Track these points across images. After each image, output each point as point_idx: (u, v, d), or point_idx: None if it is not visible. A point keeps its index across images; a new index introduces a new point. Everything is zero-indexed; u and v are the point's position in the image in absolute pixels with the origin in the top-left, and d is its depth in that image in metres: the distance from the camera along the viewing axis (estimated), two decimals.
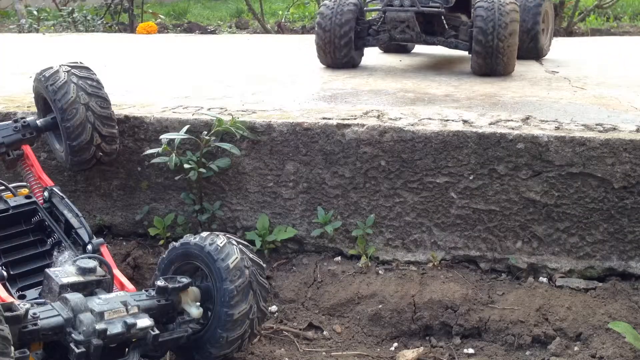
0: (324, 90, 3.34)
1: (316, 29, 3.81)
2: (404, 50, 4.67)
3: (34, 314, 1.76)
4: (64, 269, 1.99)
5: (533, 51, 4.17)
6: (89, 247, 2.25)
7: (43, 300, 1.92)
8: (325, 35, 3.76)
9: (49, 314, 1.78)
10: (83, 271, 1.97)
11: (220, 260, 2.05)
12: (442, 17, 3.65)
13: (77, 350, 1.72)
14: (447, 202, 2.62)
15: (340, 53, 3.81)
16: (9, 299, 1.95)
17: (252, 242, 2.70)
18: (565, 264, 2.58)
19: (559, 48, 4.76)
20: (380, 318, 2.51)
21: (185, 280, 2.03)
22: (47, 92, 2.61)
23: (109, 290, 2.01)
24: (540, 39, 4.15)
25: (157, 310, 1.97)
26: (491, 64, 3.53)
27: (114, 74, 3.86)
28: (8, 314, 1.65)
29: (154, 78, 3.85)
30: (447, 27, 3.66)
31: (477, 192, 2.59)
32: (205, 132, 2.69)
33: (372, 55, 4.41)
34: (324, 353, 2.40)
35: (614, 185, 2.47)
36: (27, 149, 2.67)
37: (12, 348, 1.56)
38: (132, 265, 2.78)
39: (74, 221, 2.34)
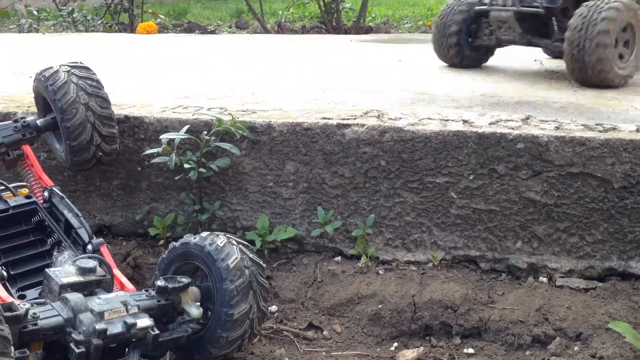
0: (323, 90, 3.34)
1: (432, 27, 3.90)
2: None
3: (34, 314, 1.76)
4: (64, 269, 1.99)
5: None
6: (89, 247, 2.24)
7: (43, 300, 1.92)
8: (437, 34, 3.82)
9: (49, 314, 1.78)
10: (83, 271, 1.97)
11: (220, 260, 2.05)
12: (553, 19, 3.45)
13: (77, 350, 1.72)
14: (447, 202, 2.62)
15: (449, 52, 3.83)
16: (9, 299, 1.95)
17: (252, 242, 2.70)
18: (565, 264, 2.58)
19: None
20: (380, 318, 2.51)
21: (185, 280, 2.03)
22: (47, 92, 2.61)
23: (109, 290, 2.01)
24: None
25: (157, 310, 1.97)
26: (580, 76, 3.27)
27: (114, 74, 3.86)
28: (8, 314, 1.65)
29: (154, 78, 3.85)
30: (556, 29, 3.45)
31: (477, 192, 2.59)
32: (205, 132, 2.69)
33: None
34: (324, 353, 2.40)
35: (614, 185, 2.47)
36: (27, 149, 2.67)
37: (12, 348, 1.56)
38: (132, 265, 2.78)
39: (74, 221, 2.34)
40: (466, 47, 3.81)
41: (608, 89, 3.23)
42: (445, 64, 3.99)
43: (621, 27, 3.16)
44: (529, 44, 3.59)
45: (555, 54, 3.50)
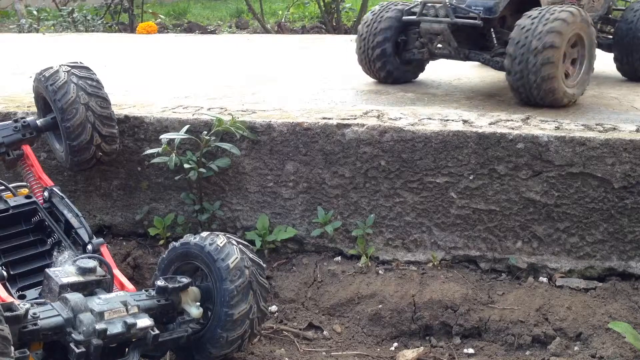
0: (323, 91, 3.34)
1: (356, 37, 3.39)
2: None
3: (34, 314, 1.76)
4: (64, 269, 1.99)
5: None
6: (89, 247, 2.25)
7: (43, 300, 1.92)
8: (361, 44, 3.32)
9: (49, 314, 1.78)
10: (83, 271, 1.97)
11: (220, 260, 2.05)
12: (492, 31, 3.07)
13: (77, 350, 1.72)
14: (447, 202, 2.62)
15: (374, 65, 3.33)
16: (9, 299, 1.95)
17: (252, 242, 2.70)
18: (565, 264, 2.58)
19: None
20: (380, 318, 2.51)
21: (185, 280, 2.03)
22: (47, 92, 2.61)
23: (109, 290, 2.01)
24: None
25: (157, 310, 1.97)
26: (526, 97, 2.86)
27: (114, 74, 3.85)
28: (8, 314, 1.65)
29: (154, 78, 3.85)
30: (495, 43, 3.07)
31: (477, 192, 2.59)
32: (205, 132, 2.69)
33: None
34: (324, 353, 2.40)
35: (614, 185, 2.47)
36: (27, 149, 2.67)
37: (12, 348, 1.56)
38: (132, 265, 2.78)
39: (74, 221, 2.34)
40: (394, 60, 3.32)
41: (561, 109, 2.85)
42: (373, 80, 3.50)
43: (570, 41, 2.76)
44: (467, 58, 3.17)
45: (498, 70, 3.09)
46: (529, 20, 2.72)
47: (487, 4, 2.95)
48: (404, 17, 3.21)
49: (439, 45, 3.16)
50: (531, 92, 2.77)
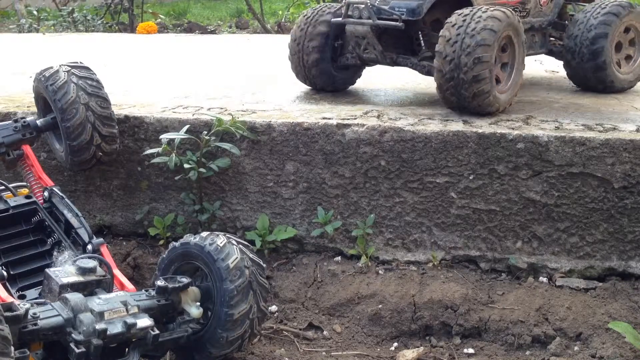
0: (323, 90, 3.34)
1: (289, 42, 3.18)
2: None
3: (34, 314, 1.76)
4: (64, 269, 1.99)
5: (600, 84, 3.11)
6: (89, 247, 2.25)
7: (43, 300, 1.92)
8: (295, 49, 3.12)
9: (49, 314, 1.78)
10: (83, 271, 1.97)
11: (220, 260, 2.05)
12: (420, 34, 2.88)
13: (77, 350, 1.73)
14: (447, 202, 2.62)
15: (310, 72, 3.13)
16: (9, 299, 1.95)
17: (252, 242, 2.70)
18: (565, 263, 2.58)
19: None
20: (380, 318, 2.51)
21: (185, 280, 2.03)
22: (47, 92, 2.61)
23: (109, 290, 2.01)
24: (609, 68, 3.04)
25: (157, 310, 1.97)
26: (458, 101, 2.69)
27: (114, 74, 3.85)
28: (8, 314, 1.65)
29: (154, 78, 3.85)
30: (423, 46, 2.89)
31: (477, 192, 2.59)
32: (205, 132, 2.69)
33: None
34: (324, 353, 2.40)
35: (614, 185, 2.47)
36: (27, 149, 2.67)
37: (12, 348, 1.56)
38: (132, 265, 2.78)
39: (74, 221, 2.34)
40: (330, 67, 3.11)
41: (487, 116, 2.70)
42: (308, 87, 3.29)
43: (500, 43, 2.63)
44: (395, 63, 2.96)
45: (425, 75, 2.89)
46: (461, 17, 2.60)
47: (410, 5, 2.77)
48: (332, 20, 3.02)
49: (365, 50, 2.98)
50: (461, 92, 2.60)
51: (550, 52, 3.30)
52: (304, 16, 3.12)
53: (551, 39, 3.29)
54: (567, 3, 3.31)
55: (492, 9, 2.62)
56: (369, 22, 2.84)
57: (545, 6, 3.17)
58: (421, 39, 2.88)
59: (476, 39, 2.52)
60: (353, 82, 3.29)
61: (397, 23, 2.76)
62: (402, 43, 3.00)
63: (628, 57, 3.14)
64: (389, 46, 2.96)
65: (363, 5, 2.83)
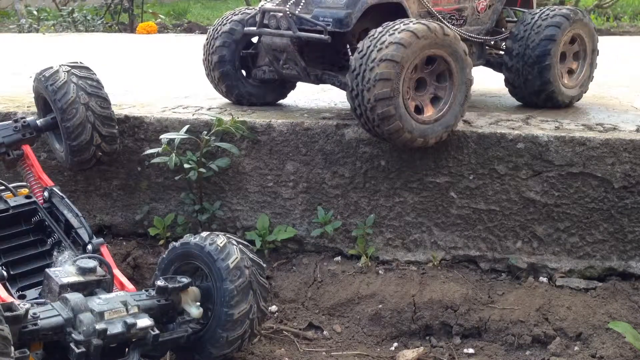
0: (324, 90, 3.34)
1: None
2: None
3: (34, 314, 1.76)
4: (64, 269, 1.99)
5: (544, 97, 2.80)
6: (89, 247, 2.25)
7: (43, 300, 1.93)
8: (205, 63, 2.90)
9: (49, 314, 1.78)
10: (83, 271, 1.97)
11: (220, 260, 2.05)
12: (348, 47, 2.50)
13: (77, 350, 1.73)
14: (447, 202, 2.62)
15: (219, 85, 2.91)
16: (9, 299, 1.95)
17: (252, 242, 2.70)
18: (566, 263, 2.58)
19: None
20: (380, 318, 2.51)
21: (185, 280, 2.03)
22: (47, 92, 2.61)
23: (109, 290, 2.01)
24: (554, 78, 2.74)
25: (157, 310, 1.97)
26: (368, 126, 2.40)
27: (114, 74, 3.86)
28: (8, 314, 1.65)
29: (154, 78, 3.85)
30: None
31: (477, 192, 2.59)
32: (205, 132, 2.69)
33: None
34: (324, 353, 2.40)
35: (614, 185, 2.47)
36: (27, 149, 2.67)
37: (12, 348, 1.56)
38: (132, 265, 2.78)
39: (74, 221, 2.34)
40: (241, 80, 2.87)
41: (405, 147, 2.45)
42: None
43: (422, 59, 2.28)
44: (319, 81, 2.62)
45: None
46: (367, 41, 2.27)
47: (337, 14, 2.41)
48: (245, 28, 2.73)
49: (285, 65, 2.64)
50: (375, 131, 2.33)
51: (487, 63, 2.97)
52: (213, 26, 2.87)
53: (486, 47, 2.95)
54: (503, 8, 2.95)
55: (401, 29, 2.23)
56: (288, 34, 2.49)
57: (483, 13, 2.84)
58: (349, 53, 2.46)
59: (382, 53, 2.20)
60: (284, 96, 3.00)
61: (322, 35, 2.41)
62: (329, 57, 2.65)
63: (570, 71, 2.85)
64: (312, 61, 2.62)
65: (281, 14, 2.50)
